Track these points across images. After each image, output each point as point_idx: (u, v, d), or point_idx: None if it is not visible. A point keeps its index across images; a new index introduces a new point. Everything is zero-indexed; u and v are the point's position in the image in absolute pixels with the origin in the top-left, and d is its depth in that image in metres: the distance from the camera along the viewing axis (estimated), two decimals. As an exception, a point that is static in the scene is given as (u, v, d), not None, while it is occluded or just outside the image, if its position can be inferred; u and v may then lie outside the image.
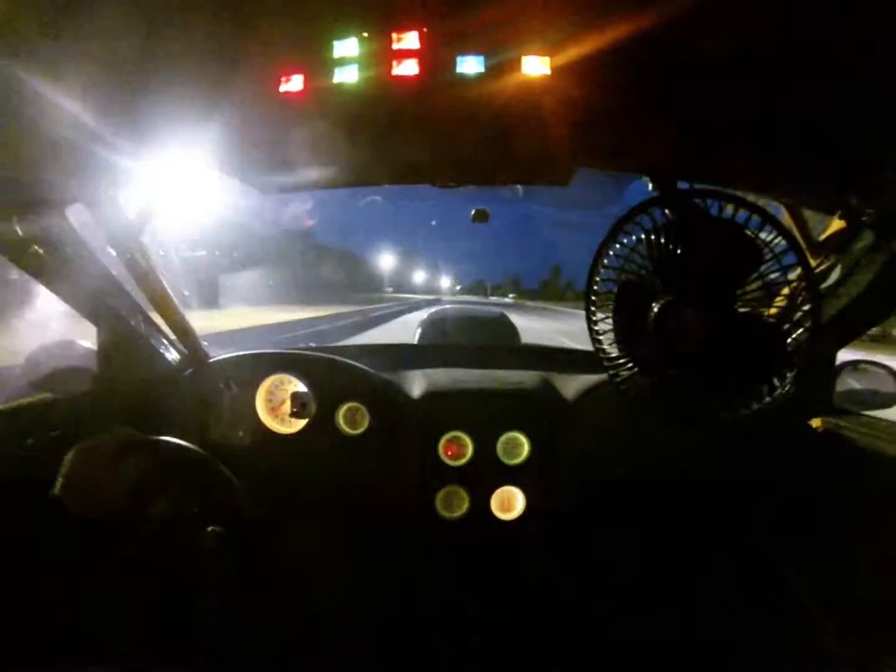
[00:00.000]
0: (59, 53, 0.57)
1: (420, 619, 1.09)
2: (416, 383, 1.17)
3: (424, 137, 0.64)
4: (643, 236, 0.68)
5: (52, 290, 0.94)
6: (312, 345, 1.48)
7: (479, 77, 0.55)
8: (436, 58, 0.54)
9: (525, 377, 1.20)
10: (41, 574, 0.78)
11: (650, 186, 0.71)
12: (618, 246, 0.71)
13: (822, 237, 0.86)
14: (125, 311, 1.05)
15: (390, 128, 0.61)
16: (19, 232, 0.84)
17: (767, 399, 0.69)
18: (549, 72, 0.54)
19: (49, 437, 0.90)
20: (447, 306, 2.51)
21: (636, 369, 0.73)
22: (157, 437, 0.82)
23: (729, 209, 0.64)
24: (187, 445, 0.85)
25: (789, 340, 0.65)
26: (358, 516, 1.13)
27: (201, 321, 1.36)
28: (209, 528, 0.81)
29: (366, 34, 0.54)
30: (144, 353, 1.11)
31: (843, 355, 1.04)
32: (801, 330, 0.64)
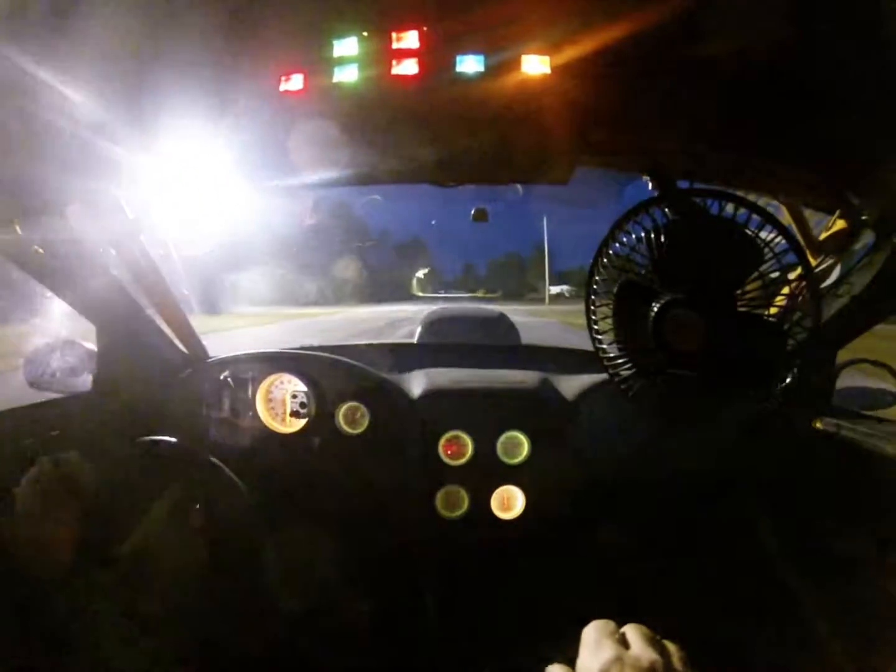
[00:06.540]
0: (61, 52, 0.57)
1: (420, 618, 1.09)
2: (416, 383, 1.17)
3: (424, 137, 0.64)
4: (643, 236, 0.68)
5: (53, 290, 0.94)
6: (312, 344, 1.48)
7: (479, 76, 0.55)
8: (435, 57, 0.54)
9: (525, 377, 1.19)
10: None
11: (650, 186, 0.71)
12: (618, 246, 0.71)
13: (822, 237, 0.86)
14: (125, 311, 1.05)
15: (390, 127, 0.61)
16: (19, 232, 0.84)
17: (767, 399, 0.69)
18: (549, 71, 0.54)
19: (49, 437, 0.90)
20: (447, 305, 2.40)
21: (636, 369, 0.73)
22: (156, 438, 0.82)
23: (729, 209, 0.64)
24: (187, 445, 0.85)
25: (789, 340, 0.65)
26: (358, 516, 1.13)
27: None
28: (209, 528, 0.81)
29: (365, 33, 0.54)
30: (144, 353, 1.11)
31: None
32: (801, 330, 0.64)
